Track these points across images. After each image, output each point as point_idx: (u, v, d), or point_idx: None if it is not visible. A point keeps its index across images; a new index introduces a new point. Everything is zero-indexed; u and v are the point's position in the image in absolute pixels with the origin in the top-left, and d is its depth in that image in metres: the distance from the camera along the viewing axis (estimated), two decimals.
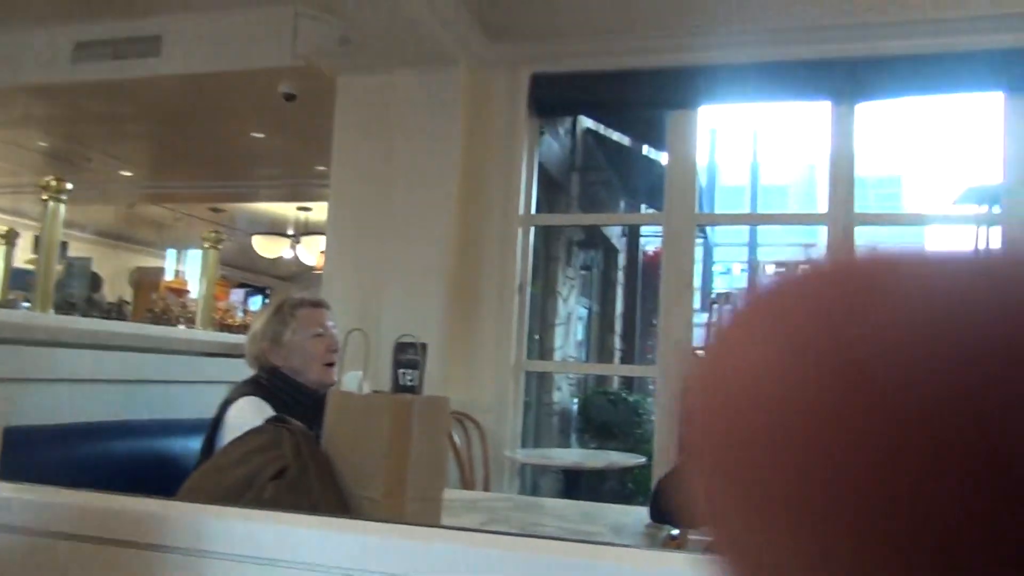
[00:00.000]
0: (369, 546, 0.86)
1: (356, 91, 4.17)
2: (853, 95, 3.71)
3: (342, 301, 4.03)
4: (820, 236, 3.88)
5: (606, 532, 1.66)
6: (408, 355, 1.43)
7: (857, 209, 3.81)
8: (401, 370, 1.46)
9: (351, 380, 1.38)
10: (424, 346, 1.40)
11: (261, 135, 6.02)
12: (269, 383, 1.95)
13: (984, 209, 5.84)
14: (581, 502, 2.31)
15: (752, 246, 17.19)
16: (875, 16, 3.57)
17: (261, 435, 1.36)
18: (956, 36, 3.51)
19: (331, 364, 1.98)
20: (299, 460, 1.26)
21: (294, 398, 1.90)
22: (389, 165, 3.97)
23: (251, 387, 1.94)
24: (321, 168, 6.11)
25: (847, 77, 3.67)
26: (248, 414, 1.79)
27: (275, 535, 0.89)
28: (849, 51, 3.66)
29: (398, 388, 1.43)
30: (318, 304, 2.12)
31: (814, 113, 4.19)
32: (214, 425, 1.87)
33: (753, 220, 14.69)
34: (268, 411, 1.77)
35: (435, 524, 1.13)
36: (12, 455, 1.63)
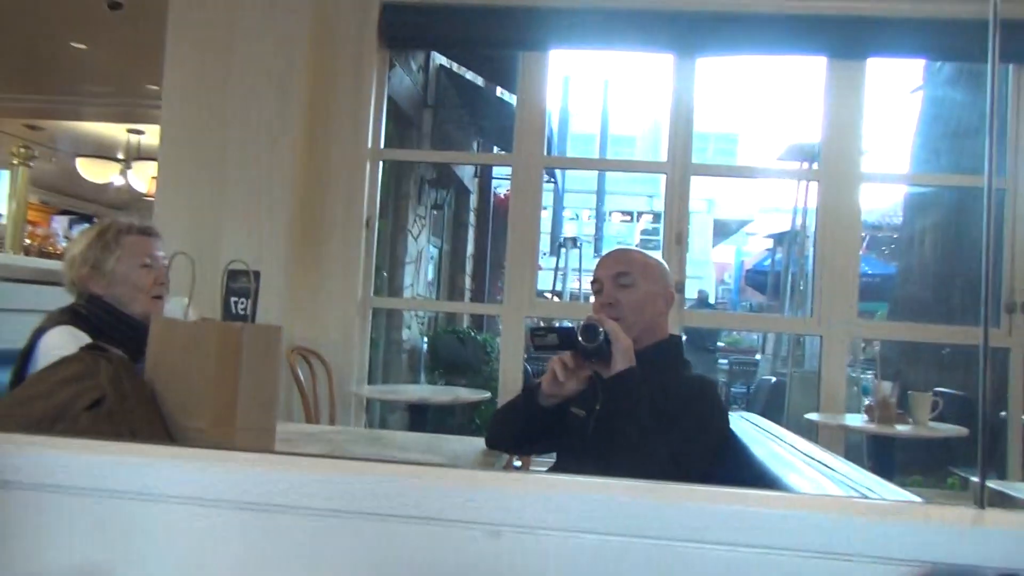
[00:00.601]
0: (189, 471, 0.84)
1: (191, 4, 3.87)
2: (694, 49, 3.86)
3: (176, 231, 3.79)
4: (662, 185, 4.04)
5: (443, 460, 1.69)
6: (240, 283, 1.38)
7: (695, 160, 3.99)
8: (233, 298, 1.41)
9: (175, 307, 1.31)
10: (257, 274, 1.35)
11: (82, 46, 5.49)
12: (88, 312, 1.82)
13: (805, 165, 6.33)
14: (423, 434, 2.35)
15: (600, 194, 17.75)
16: None
17: (74, 364, 1.26)
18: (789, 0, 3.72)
19: (159, 297, 1.87)
20: (118, 390, 1.19)
21: (116, 328, 1.78)
22: (228, 86, 3.73)
23: (67, 315, 1.80)
24: (153, 87, 5.67)
25: (689, 30, 3.81)
26: (61, 344, 1.66)
27: (86, 464, 0.84)
28: (692, 4, 3.79)
29: (229, 317, 1.38)
30: (147, 232, 1.97)
31: (662, 67, 4.36)
32: (24, 355, 1.72)
33: (599, 166, 15.14)
34: (84, 341, 1.65)
35: (263, 450, 1.11)
36: None
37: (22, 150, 2.81)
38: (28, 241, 6.00)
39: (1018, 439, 3.61)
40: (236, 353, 1.19)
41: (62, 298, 1.91)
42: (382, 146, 4.15)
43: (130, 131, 8.18)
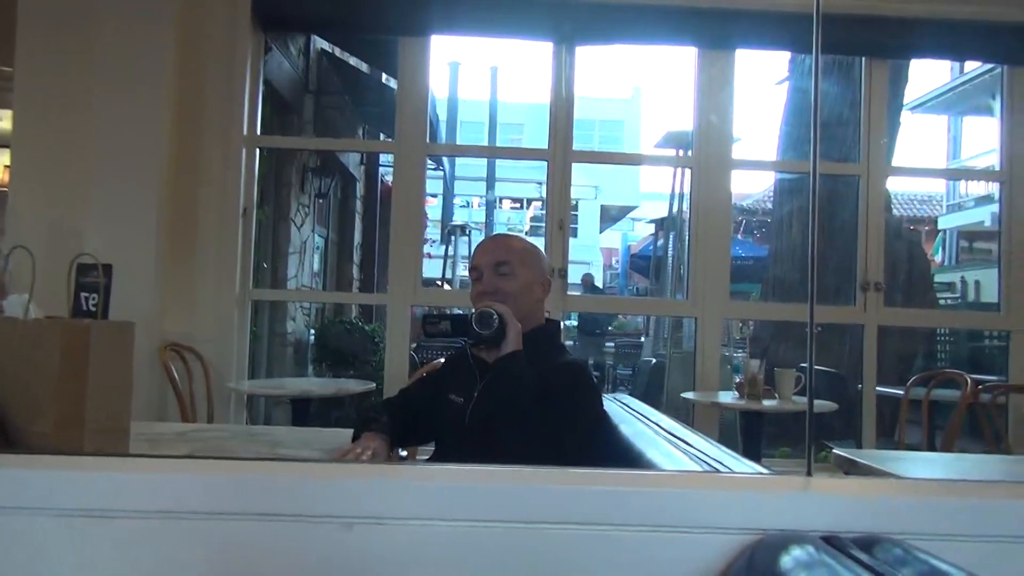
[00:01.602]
0: (25, 479, 0.79)
1: None
2: (572, 37, 3.92)
3: (33, 224, 3.56)
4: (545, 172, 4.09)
5: (317, 454, 1.66)
6: (90, 277, 1.30)
7: (576, 147, 4.05)
8: (83, 294, 1.33)
9: (14, 304, 1.23)
10: (108, 267, 1.28)
11: None
12: None
13: (680, 153, 6.56)
14: (299, 428, 2.30)
15: (491, 181, 17.81)
16: None
17: None
18: None
19: None
20: None
21: None
22: (89, 67, 3.51)
23: None
24: (6, 69, 5.28)
25: (567, 19, 3.87)
26: None
27: None
28: None
29: (79, 313, 1.31)
30: None
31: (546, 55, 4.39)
32: None
33: (483, 153, 15.20)
34: None
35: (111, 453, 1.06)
36: None
37: None
38: None
39: (872, 409, 3.88)
40: (83, 351, 1.13)
41: None
42: (258, 132, 4.01)
43: None
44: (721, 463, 1.08)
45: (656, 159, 7.73)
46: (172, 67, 3.61)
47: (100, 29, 3.52)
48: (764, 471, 1.04)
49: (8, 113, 4.12)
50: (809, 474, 0.78)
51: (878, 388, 3.91)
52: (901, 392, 3.48)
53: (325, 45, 6.55)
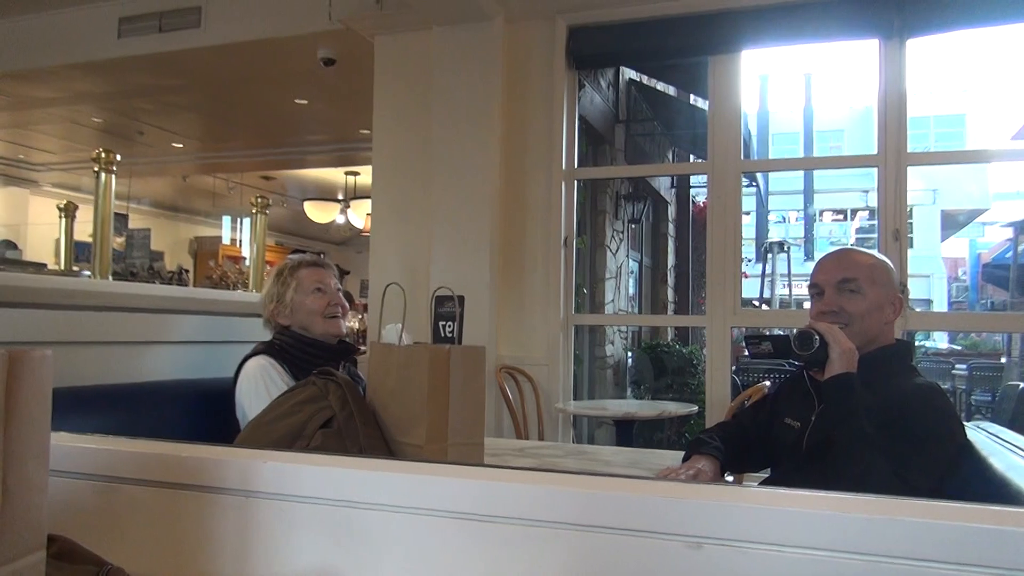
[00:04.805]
0: (409, 483, 0.91)
1: (394, 51, 4.19)
2: (902, 31, 3.58)
3: (389, 261, 4.12)
4: (875, 179, 3.77)
5: (647, 475, 1.69)
6: (446, 308, 1.47)
7: (911, 149, 3.68)
8: (441, 322, 1.51)
9: (390, 332, 1.43)
10: (461, 298, 1.43)
11: (304, 101, 6.10)
12: (280, 342, 2.05)
13: None
14: (628, 448, 2.35)
15: (807, 193, 16.78)
16: None
17: (308, 388, 1.42)
18: None
19: (334, 317, 2.07)
20: (345, 410, 1.32)
21: (306, 352, 2.00)
22: (430, 124, 4.00)
23: (263, 346, 2.05)
24: (366, 132, 6.19)
25: (895, 12, 3.54)
26: (254, 372, 1.93)
27: (320, 476, 0.94)
28: None
29: (439, 339, 1.48)
30: (316, 264, 2.19)
31: (869, 52, 4.03)
32: (234, 381, 1.97)
33: (800, 165, 14.33)
34: (272, 369, 1.93)
35: (474, 463, 1.17)
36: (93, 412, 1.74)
37: (259, 199, 3.17)
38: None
39: None
40: (445, 373, 1.27)
41: None
42: (576, 165, 4.22)
43: (347, 173, 8.96)
44: None
45: (1009, 153, 6.68)
46: (499, 115, 3.95)
47: (437, 91, 3.99)
48: None
49: (368, 169, 4.83)
50: None
51: None
52: None
53: (633, 75, 6.71)
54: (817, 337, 1.52)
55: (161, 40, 4.82)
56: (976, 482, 1.35)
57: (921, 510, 0.72)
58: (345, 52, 4.79)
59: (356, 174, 8.92)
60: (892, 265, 1.72)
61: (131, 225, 8.95)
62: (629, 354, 6.96)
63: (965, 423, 1.66)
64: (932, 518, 0.70)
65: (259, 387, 1.89)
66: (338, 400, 1.35)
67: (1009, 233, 10.82)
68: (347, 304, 2.13)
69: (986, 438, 1.56)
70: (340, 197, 9.47)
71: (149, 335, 2.13)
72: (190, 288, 6.96)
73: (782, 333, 1.72)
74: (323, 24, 4.40)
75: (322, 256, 2.32)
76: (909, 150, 3.68)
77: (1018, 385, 6.01)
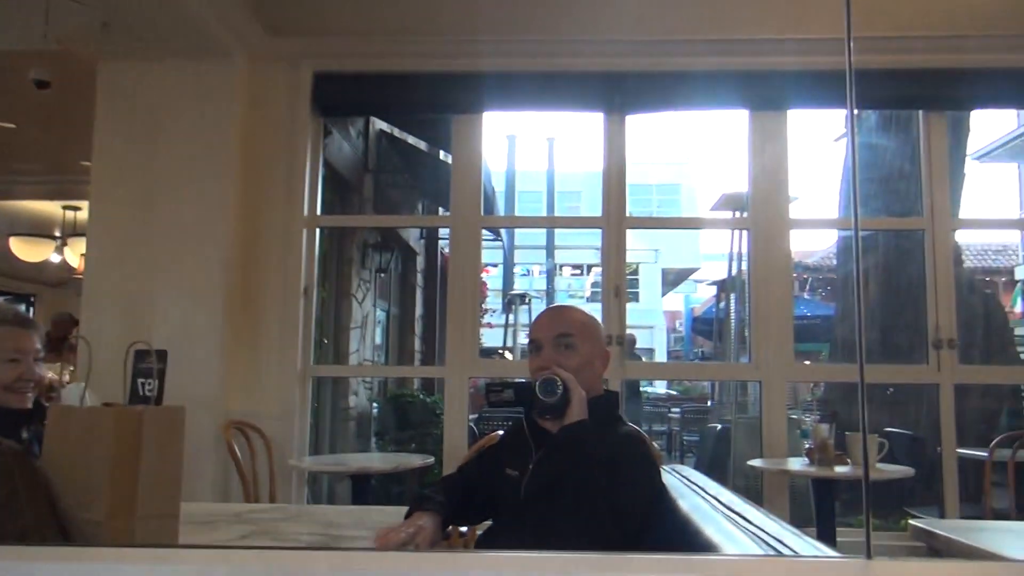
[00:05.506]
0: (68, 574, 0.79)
1: (120, 80, 3.85)
2: (623, 107, 3.96)
3: (105, 308, 3.71)
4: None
5: (369, 534, 1.64)
6: (146, 363, 1.34)
7: (634, 213, 4.05)
8: (140, 379, 1.37)
9: (71, 393, 1.27)
10: (163, 353, 1.31)
11: (11, 125, 5.41)
12: None
13: (737, 214, 6.48)
14: (356, 507, 2.29)
15: (549, 249, 17.92)
16: (639, 34, 3.83)
17: None
18: (708, 56, 3.85)
19: (22, 392, 1.81)
20: (8, 483, 1.14)
21: None
22: (158, 161, 3.71)
23: None
24: (87, 163, 5.61)
25: (616, 90, 3.91)
26: None
27: None
28: (618, 65, 3.90)
29: (136, 399, 1.34)
30: (17, 323, 1.88)
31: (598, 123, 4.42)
32: None
33: (536, 223, 15.32)
34: None
35: (163, 544, 1.06)
36: None
37: None
38: None
39: (952, 473, 3.66)
40: (136, 438, 1.15)
41: None
42: (319, 212, 4.13)
43: (66, 207, 8.03)
44: (781, 541, 1.03)
45: (712, 222, 7.62)
46: (236, 157, 3.77)
47: (167, 124, 3.72)
48: (825, 552, 0.98)
49: (86, 204, 4.36)
50: (868, 557, 0.72)
51: (960, 450, 3.70)
52: (985, 454, 3.29)
53: (384, 126, 6.77)
54: (561, 383, 1.59)
55: None
56: (668, 523, 1.47)
57: (602, 564, 0.76)
58: (64, 75, 4.33)
59: (77, 208, 8.01)
60: (600, 322, 1.87)
61: None
62: (374, 405, 6.86)
63: (664, 468, 1.82)
64: (612, 572, 0.74)
65: None
66: (1, 472, 1.16)
67: (714, 291, 12.31)
68: (43, 376, 1.85)
69: (678, 480, 1.71)
70: (57, 233, 8.46)
71: None
72: None
73: (523, 381, 1.78)
74: (37, 42, 3.94)
75: (29, 311, 1.99)
76: (629, 214, 4.05)
77: (716, 427, 6.77)
